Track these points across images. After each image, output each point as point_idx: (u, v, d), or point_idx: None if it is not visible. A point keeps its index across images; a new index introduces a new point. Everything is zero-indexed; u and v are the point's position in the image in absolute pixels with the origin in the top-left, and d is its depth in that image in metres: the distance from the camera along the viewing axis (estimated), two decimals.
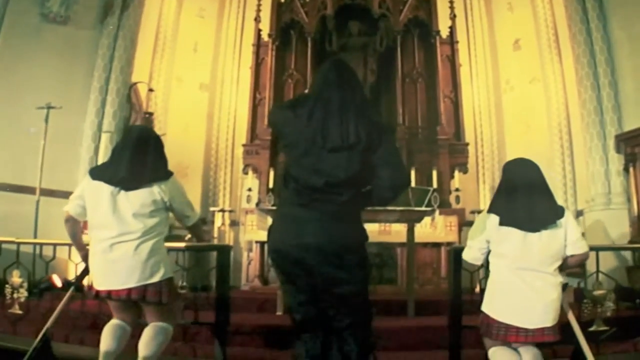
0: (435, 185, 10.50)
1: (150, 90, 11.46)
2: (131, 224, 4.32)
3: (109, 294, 4.36)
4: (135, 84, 10.96)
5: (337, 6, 11.99)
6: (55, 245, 6.10)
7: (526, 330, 4.21)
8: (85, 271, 4.76)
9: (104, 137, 9.81)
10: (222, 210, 11.51)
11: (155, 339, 4.41)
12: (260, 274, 10.40)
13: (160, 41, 12.95)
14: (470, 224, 10.42)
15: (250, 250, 10.59)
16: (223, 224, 11.36)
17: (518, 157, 4.72)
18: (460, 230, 10.08)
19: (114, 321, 4.54)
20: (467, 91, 12.54)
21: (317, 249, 3.57)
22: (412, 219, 7.65)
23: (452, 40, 12.20)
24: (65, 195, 8.83)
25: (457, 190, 10.92)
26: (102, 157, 9.64)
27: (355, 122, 3.63)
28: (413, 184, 10.05)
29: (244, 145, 11.96)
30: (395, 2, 11.93)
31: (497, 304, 4.37)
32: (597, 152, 9.23)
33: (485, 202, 12.11)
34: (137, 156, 4.45)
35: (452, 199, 10.90)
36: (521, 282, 4.24)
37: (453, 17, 12.37)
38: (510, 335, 4.26)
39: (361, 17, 12.11)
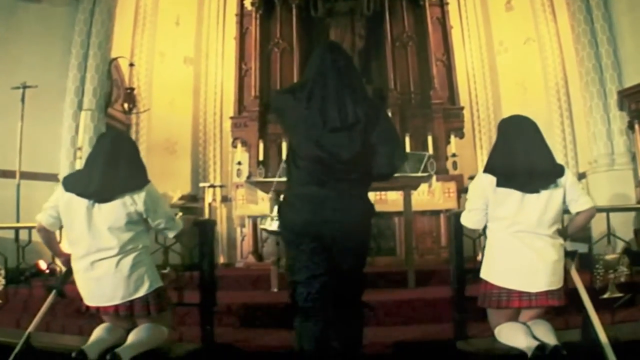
0: (430, 151, 10.21)
1: (131, 65, 11.12)
2: (107, 239, 4.19)
3: (98, 309, 4.31)
4: (115, 59, 10.64)
5: None
6: (30, 228, 5.76)
7: (529, 294, 4.08)
8: (67, 275, 4.52)
9: (85, 115, 9.42)
10: (212, 186, 11.13)
11: (146, 331, 4.26)
12: (255, 250, 10.13)
13: (141, 15, 12.44)
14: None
15: (242, 225, 10.30)
16: (214, 199, 11.02)
17: (514, 114, 4.54)
18: (459, 197, 9.74)
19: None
20: (459, 54, 12.22)
21: (334, 225, 3.81)
22: (408, 186, 7.39)
23: (442, 2, 11.92)
24: (48, 177, 8.75)
25: (454, 155, 10.67)
26: (82, 136, 9.27)
27: (353, 103, 3.86)
28: (407, 149, 9.73)
29: (231, 118, 11.72)
30: None
31: (496, 269, 4.22)
32: (598, 111, 8.89)
33: (483, 167, 11.61)
34: (109, 166, 4.28)
35: (449, 164, 10.68)
36: (521, 244, 4.12)
37: None
38: (513, 301, 4.12)
39: None
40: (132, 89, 11.08)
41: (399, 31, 11.66)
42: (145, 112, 11.77)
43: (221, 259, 11.01)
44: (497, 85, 12.58)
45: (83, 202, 4.21)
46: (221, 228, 11.31)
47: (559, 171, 4.21)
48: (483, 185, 4.26)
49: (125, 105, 10.79)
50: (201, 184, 11.48)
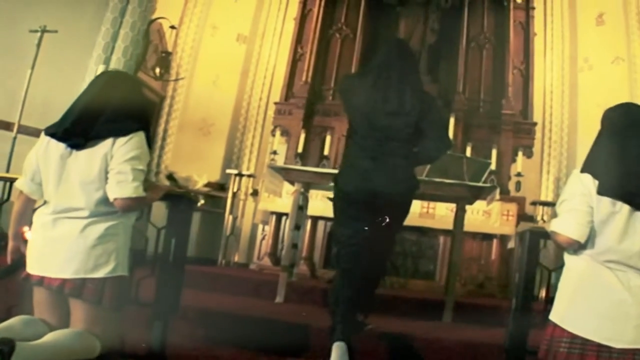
0: (493, 166, 8.90)
1: (172, 27, 10.08)
2: (76, 197, 3.35)
3: (42, 280, 3.35)
4: (155, 19, 9.62)
5: None
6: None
7: (610, 350, 2.99)
8: (7, 272, 3.68)
9: None
10: (240, 175, 10.01)
11: (71, 337, 3.24)
12: (272, 252, 9.02)
13: None
14: (530, 218, 8.94)
15: (265, 222, 9.21)
16: (239, 189, 9.90)
17: (624, 102, 3.50)
18: (517, 222, 8.48)
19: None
20: (539, 65, 11.02)
21: (381, 195, 4.41)
22: (465, 197, 6.13)
23: (527, 5, 10.76)
24: None
25: (518, 175, 9.42)
26: None
27: (411, 93, 4.55)
28: None
29: (276, 103, 10.78)
30: None
31: (572, 309, 3.11)
32: None
33: (547, 194, 10.70)
34: (94, 103, 3.45)
35: (511, 185, 9.50)
36: (613, 278, 3.04)
37: None
38: (589, 356, 3.03)
39: None
40: (169, 53, 10.10)
41: (476, 31, 10.61)
42: (182, 85, 11.09)
43: (236, 257, 10.03)
44: (576, 106, 11.32)
45: (58, 150, 3.37)
46: (242, 223, 10.37)
47: None
48: (586, 184, 3.10)
49: (157, 70, 9.73)
50: (228, 170, 10.40)
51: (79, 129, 3.34)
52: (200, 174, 10.27)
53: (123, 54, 8.78)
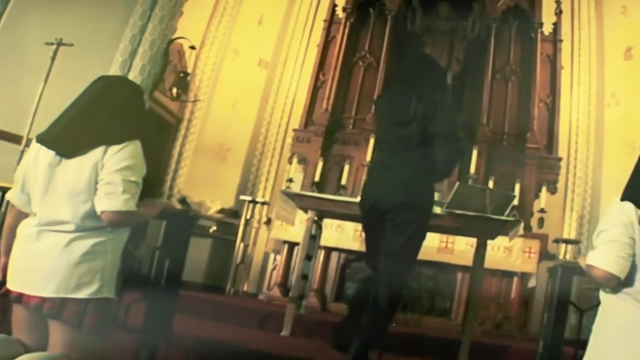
0: (516, 202, 8.58)
1: (192, 47, 9.87)
2: (62, 209, 3.09)
3: (20, 297, 3.11)
4: (175, 39, 9.39)
5: None
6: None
7: None
8: None
9: None
10: (254, 201, 9.78)
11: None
12: (283, 283, 8.72)
13: (221, 5, 11.57)
14: (552, 257, 8.62)
15: (277, 252, 8.97)
16: (252, 217, 9.66)
17: None
18: (539, 261, 8.14)
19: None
20: (565, 99, 10.74)
21: (385, 200, 4.53)
22: (485, 232, 5.73)
23: (555, 38, 10.50)
24: None
25: (541, 211, 9.11)
26: None
27: (416, 101, 4.62)
28: None
29: (295, 130, 10.56)
30: None
31: (607, 356, 2.71)
32: None
33: (570, 232, 10.41)
34: (87, 109, 3.21)
35: (534, 221, 9.20)
36: None
37: (559, 12, 10.62)
38: None
39: None
40: (187, 74, 9.90)
41: (502, 62, 10.36)
42: (200, 108, 10.98)
43: (245, 287, 9.81)
44: (602, 142, 11.09)
45: (47, 158, 3.14)
46: (253, 252, 10.26)
47: None
48: (628, 213, 2.75)
49: (174, 91, 9.53)
50: (241, 197, 10.19)
51: (69, 135, 3.11)
52: (213, 200, 10.03)
53: (140, 72, 8.52)
